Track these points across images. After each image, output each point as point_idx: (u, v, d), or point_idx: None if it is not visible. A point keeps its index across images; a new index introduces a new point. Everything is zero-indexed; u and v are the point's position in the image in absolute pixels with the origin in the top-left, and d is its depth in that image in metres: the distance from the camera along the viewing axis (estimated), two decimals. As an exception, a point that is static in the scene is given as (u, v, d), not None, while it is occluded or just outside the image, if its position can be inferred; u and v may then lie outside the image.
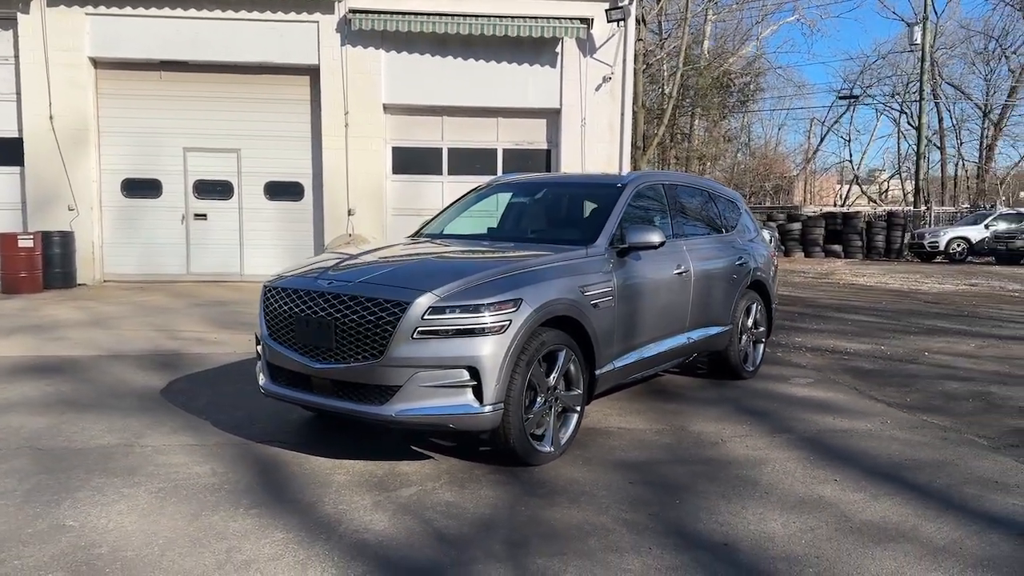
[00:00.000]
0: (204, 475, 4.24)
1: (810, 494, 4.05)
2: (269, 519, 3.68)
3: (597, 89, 13.41)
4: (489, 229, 6.06)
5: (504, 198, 6.33)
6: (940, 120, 47.64)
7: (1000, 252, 23.09)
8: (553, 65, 13.41)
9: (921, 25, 32.10)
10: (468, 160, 13.73)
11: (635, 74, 15.80)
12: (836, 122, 50.60)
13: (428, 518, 3.70)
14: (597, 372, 4.75)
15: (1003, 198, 43.34)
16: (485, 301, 4.07)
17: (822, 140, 52.11)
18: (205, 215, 13.48)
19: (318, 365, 4.26)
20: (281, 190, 13.60)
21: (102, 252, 13.29)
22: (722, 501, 3.94)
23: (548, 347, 4.34)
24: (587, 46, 13.30)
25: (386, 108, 13.35)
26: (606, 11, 12.89)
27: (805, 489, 4.12)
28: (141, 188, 13.34)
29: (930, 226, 27.12)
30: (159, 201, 13.37)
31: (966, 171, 51.41)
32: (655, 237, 5.06)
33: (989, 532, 3.61)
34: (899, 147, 51.30)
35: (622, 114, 13.45)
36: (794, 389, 6.41)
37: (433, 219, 6.21)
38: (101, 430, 5.00)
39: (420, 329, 4.01)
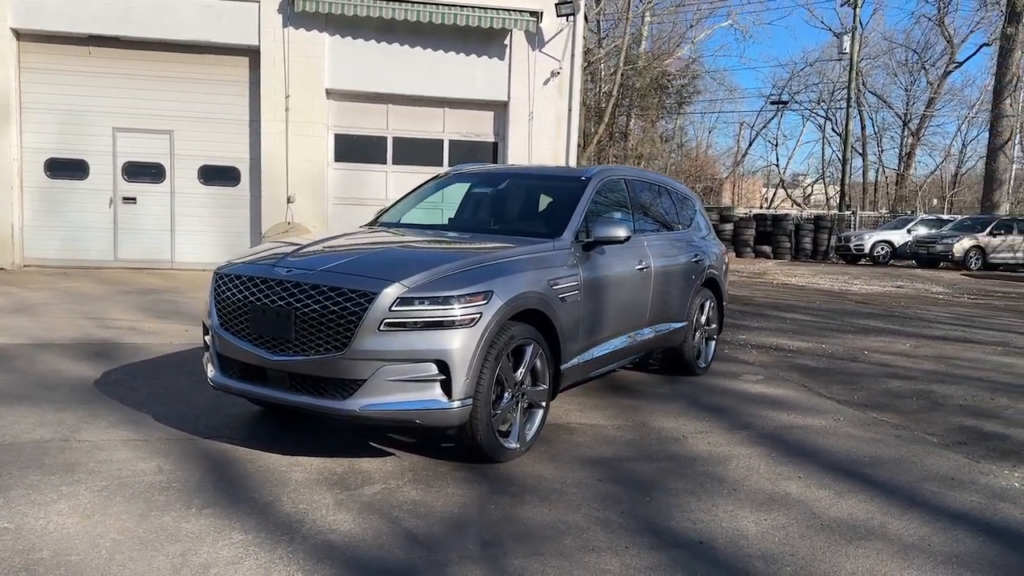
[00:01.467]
0: (150, 472, 3.98)
1: (777, 491, 4.06)
2: (225, 520, 3.47)
3: (545, 83, 13.35)
4: (450, 219, 5.91)
5: (462, 188, 6.17)
6: (863, 128, 49.38)
7: (921, 256, 24.04)
8: (501, 57, 13.28)
9: (850, 35, 33.15)
10: (414, 150, 13.49)
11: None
12: (764, 127, 51.93)
13: (395, 517, 3.55)
14: (562, 367, 4.66)
15: (922, 204, 45.22)
16: (455, 293, 3.94)
17: (751, 144, 53.38)
18: (134, 199, 12.88)
19: (275, 357, 4.05)
20: (216, 175, 13.09)
21: (22, 235, 12.57)
22: (692, 498, 3.91)
23: (516, 341, 4.23)
24: (536, 40, 13.22)
25: (329, 93, 13.00)
26: (556, 5, 12.82)
27: (771, 486, 4.13)
28: (66, 169, 12.65)
29: (855, 230, 28.03)
30: (85, 183, 12.71)
31: (886, 177, 53.45)
32: (621, 232, 5.00)
33: (953, 529, 3.67)
34: (823, 152, 53.13)
35: (569, 110, 13.42)
36: (746, 386, 6.46)
37: (390, 208, 6.02)
38: (32, 423, 4.67)
39: (387, 321, 3.85)
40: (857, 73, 44.47)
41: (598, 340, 5.12)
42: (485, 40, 13.19)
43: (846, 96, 44.77)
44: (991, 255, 23.11)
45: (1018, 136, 30.94)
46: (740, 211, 31.15)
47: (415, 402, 3.88)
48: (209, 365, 4.52)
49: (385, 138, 13.44)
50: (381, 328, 3.84)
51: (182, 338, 7.37)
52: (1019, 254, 23.37)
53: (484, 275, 4.13)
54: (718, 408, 5.68)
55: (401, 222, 5.76)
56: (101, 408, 5.04)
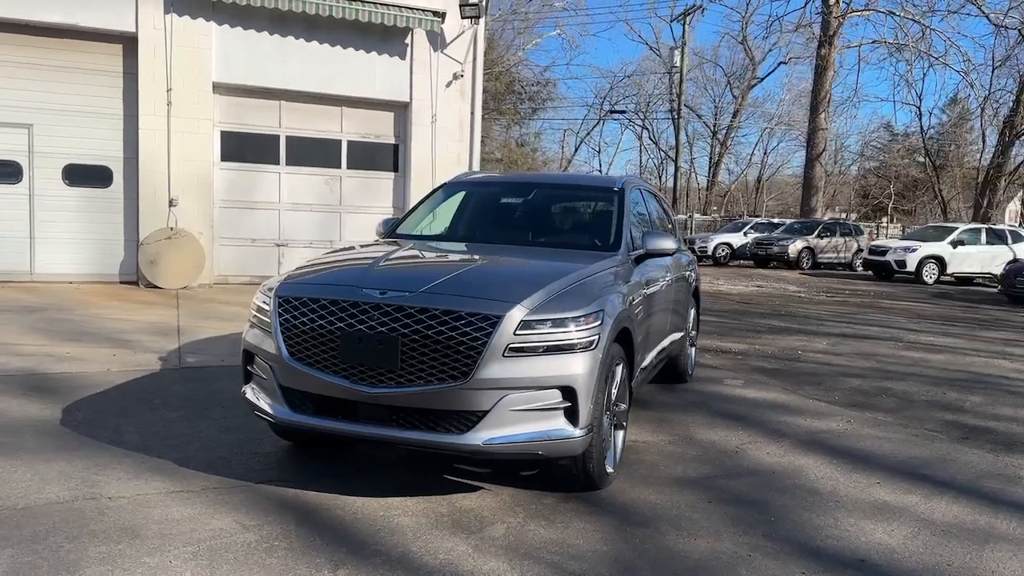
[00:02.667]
0: (234, 531, 3.42)
1: (874, 500, 4.15)
2: (374, 581, 3.04)
3: (447, 86, 13.03)
4: (479, 232, 5.46)
5: (478, 199, 5.78)
6: (677, 136, 52.58)
7: (760, 256, 25.96)
8: (403, 56, 12.81)
9: (680, 50, 35.38)
10: (309, 151, 12.69)
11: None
12: (588, 134, 53.89)
13: (553, 561, 3.27)
14: (632, 384, 4.53)
15: (745, 209, 48.83)
16: (574, 314, 3.69)
17: (576, 150, 55.21)
18: (-16, 201, 11.18)
19: (374, 390, 3.60)
20: (85, 175, 11.62)
21: None
22: (810, 514, 3.91)
23: (616, 362, 4.05)
24: (439, 40, 12.87)
25: (216, 87, 11.95)
26: (460, 6, 12.55)
27: (863, 495, 4.22)
28: None
29: (689, 233, 29.83)
30: (-80, 182, 10.88)
31: (698, 184, 57.37)
32: (670, 244, 4.95)
33: (1050, 524, 3.93)
34: (641, 159, 56.09)
35: (472, 113, 13.20)
36: (737, 391, 6.62)
37: (405, 219, 5.53)
38: (32, 480, 3.88)
39: (511, 346, 3.54)
40: (680, 84, 47.51)
41: (646, 355, 5.03)
42: (386, 38, 12.67)
43: (668, 107, 47.80)
44: (819, 255, 25.40)
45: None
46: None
47: (540, 433, 3.59)
48: (264, 400, 3.96)
49: (278, 137, 12.55)
50: (505, 354, 3.54)
51: (116, 363, 6.48)
52: (842, 254, 25.88)
53: (590, 294, 3.91)
54: (738, 416, 5.76)
55: (424, 234, 5.35)
56: (99, 455, 4.29)
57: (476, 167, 13.42)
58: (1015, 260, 19.86)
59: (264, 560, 3.17)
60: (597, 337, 3.73)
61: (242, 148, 12.38)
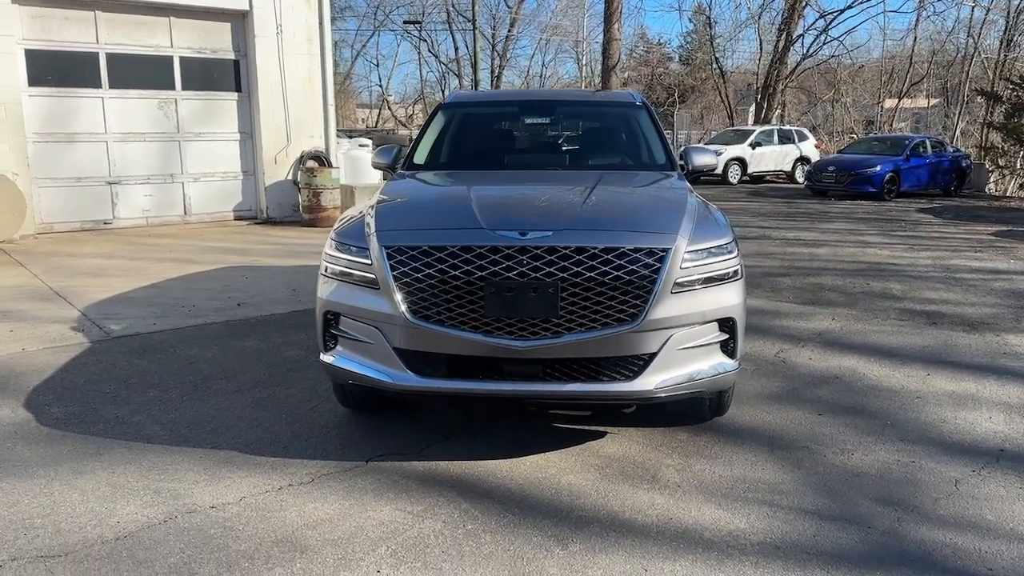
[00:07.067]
0: (409, 520, 2.94)
1: (942, 391, 4.41)
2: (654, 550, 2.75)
3: (292, -8, 11.72)
4: (518, 157, 4.89)
5: (485, 119, 5.21)
6: (456, 49, 51.85)
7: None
8: (238, -44, 11.27)
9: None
10: (136, 70, 10.89)
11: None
12: (363, 47, 51.60)
13: (759, 499, 3.14)
14: None
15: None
16: (721, 242, 3.47)
17: (352, 64, 52.86)
18: None
19: (527, 344, 3.18)
20: None
21: None
22: (914, 414, 4.07)
23: (727, 285, 3.90)
24: (278, -61, 11.46)
25: (15, -4, 9.84)
26: (303, -100, 11.20)
27: (929, 387, 4.46)
28: None
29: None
30: None
31: (484, 98, 57.29)
32: (712, 160, 4.81)
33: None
34: (421, 73, 54.82)
35: (321, 23, 11.99)
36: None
37: (415, 148, 4.84)
38: (91, 502, 3.07)
39: (678, 280, 3.27)
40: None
41: None
42: (217, -65, 11.05)
43: (445, 17, 46.94)
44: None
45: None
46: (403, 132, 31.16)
47: (706, 370, 3.37)
48: (370, 366, 3.37)
49: (97, 54, 10.63)
50: (672, 290, 3.26)
51: (23, 340, 5.36)
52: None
53: (717, 219, 3.71)
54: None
55: (448, 162, 4.76)
56: (138, 457, 3.50)
57: (329, 83, 12.33)
58: (804, 158, 22.03)
59: (479, 549, 2.75)
60: (740, 264, 3.56)
61: (55, 70, 10.39)
